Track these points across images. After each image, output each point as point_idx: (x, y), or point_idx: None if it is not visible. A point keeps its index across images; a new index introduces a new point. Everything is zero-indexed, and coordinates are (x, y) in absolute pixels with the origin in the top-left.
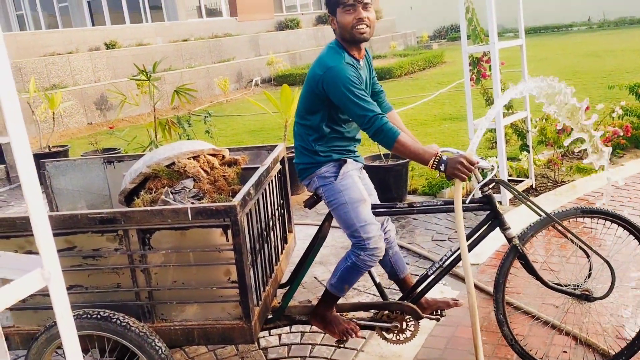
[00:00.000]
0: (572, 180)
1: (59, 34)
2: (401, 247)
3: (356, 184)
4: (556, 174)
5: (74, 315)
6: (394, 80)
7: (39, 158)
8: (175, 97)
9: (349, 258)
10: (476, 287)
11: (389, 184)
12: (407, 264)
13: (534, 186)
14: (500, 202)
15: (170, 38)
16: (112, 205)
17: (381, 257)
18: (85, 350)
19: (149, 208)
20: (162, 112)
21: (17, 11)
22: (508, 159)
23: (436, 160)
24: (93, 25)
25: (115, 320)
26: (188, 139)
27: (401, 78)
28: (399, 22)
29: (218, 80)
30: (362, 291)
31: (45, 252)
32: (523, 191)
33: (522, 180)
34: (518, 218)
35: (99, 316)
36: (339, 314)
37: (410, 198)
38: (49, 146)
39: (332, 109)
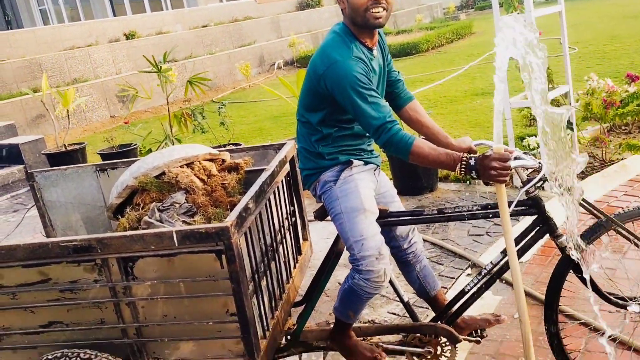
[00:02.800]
0: (622, 159)
1: (77, 26)
2: (433, 244)
3: (357, 190)
4: (603, 152)
5: (50, 358)
6: (420, 55)
7: (54, 158)
8: (188, 88)
9: (347, 280)
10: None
11: (418, 172)
12: (440, 264)
13: None
14: (543, 188)
15: (190, 25)
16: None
17: (382, 285)
18: None
19: (128, 233)
20: (184, 103)
21: (40, 6)
22: None
23: (463, 165)
24: (114, 15)
25: None
26: (202, 131)
27: (428, 53)
28: None
29: (239, 66)
30: (391, 299)
31: None
32: None
33: None
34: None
35: (78, 359)
36: (361, 339)
37: (442, 186)
38: (64, 145)
39: (337, 107)
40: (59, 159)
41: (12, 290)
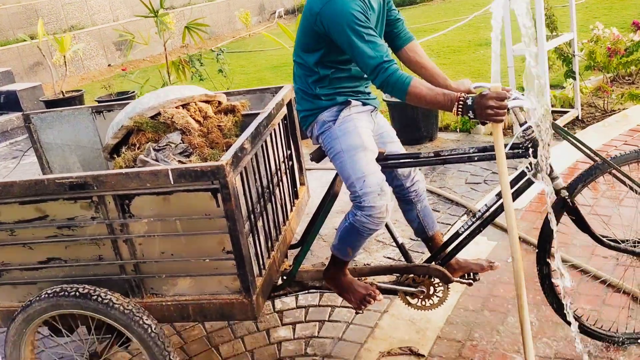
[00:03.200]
0: (624, 109)
1: None
2: (430, 192)
3: (357, 129)
4: (605, 102)
5: (50, 293)
6: (424, 4)
7: (52, 105)
8: (186, 34)
9: (348, 218)
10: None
11: (418, 121)
12: (437, 211)
13: (580, 117)
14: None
15: None
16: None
17: (384, 221)
18: (70, 329)
19: (123, 171)
20: (182, 51)
21: None
22: (551, 87)
23: (460, 105)
24: None
25: (96, 297)
26: (200, 79)
27: (432, 2)
28: None
29: (239, 14)
30: (387, 244)
31: None
32: (568, 123)
33: (567, 111)
34: (561, 154)
35: (77, 293)
36: (356, 278)
37: (442, 136)
38: (62, 92)
39: (333, 47)
40: (56, 105)
41: (10, 227)
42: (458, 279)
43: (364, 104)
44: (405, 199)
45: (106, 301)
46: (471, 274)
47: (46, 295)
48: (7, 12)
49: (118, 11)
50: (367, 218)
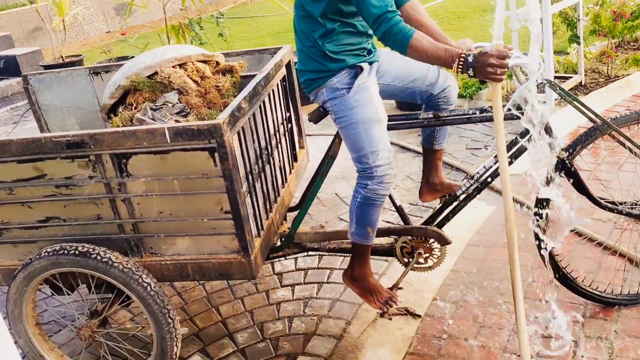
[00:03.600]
0: (628, 75)
1: None
2: None
3: (372, 99)
4: (609, 68)
5: (50, 251)
6: None
7: (52, 70)
8: None
9: (358, 193)
10: (515, 200)
11: None
12: None
13: (583, 83)
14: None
15: None
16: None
17: (393, 184)
18: (71, 288)
19: (119, 129)
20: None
21: None
22: (555, 52)
23: (461, 62)
24: None
25: (95, 255)
26: (201, 43)
27: None
28: None
29: None
30: (387, 208)
31: None
32: (572, 89)
33: (570, 77)
34: (563, 120)
35: (76, 252)
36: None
37: None
38: (62, 57)
39: None
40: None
41: (9, 185)
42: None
43: (370, 64)
44: (432, 105)
45: (105, 260)
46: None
47: (46, 254)
48: None
49: None
50: (379, 185)
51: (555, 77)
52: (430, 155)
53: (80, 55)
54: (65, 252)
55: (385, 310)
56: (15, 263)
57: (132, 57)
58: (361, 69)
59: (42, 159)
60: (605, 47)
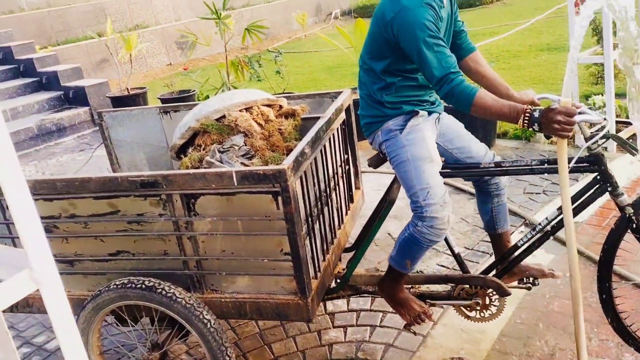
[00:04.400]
0: None
1: None
2: None
3: (425, 140)
4: None
5: (118, 284)
6: (484, 7)
7: (117, 101)
8: (246, 35)
9: (408, 229)
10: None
11: (475, 126)
12: None
13: None
14: (606, 149)
15: None
16: (170, 157)
17: (444, 232)
18: (134, 320)
19: (191, 171)
20: (240, 51)
21: None
22: (617, 96)
23: (526, 118)
24: None
25: (160, 290)
26: (259, 79)
27: (492, 5)
28: None
29: (296, 15)
30: (441, 252)
31: (34, 249)
32: (633, 135)
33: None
34: (623, 167)
35: (143, 286)
36: (409, 287)
37: (500, 143)
38: (127, 89)
39: (401, 55)
40: (122, 102)
41: (85, 220)
42: (515, 284)
43: (430, 113)
44: (483, 191)
45: (170, 295)
46: (530, 278)
47: (115, 286)
48: (78, 11)
49: (181, 11)
50: (429, 229)
51: (617, 122)
52: (497, 241)
53: (144, 87)
54: (133, 285)
55: (412, 328)
56: (84, 293)
57: (193, 90)
58: (417, 112)
59: (117, 196)
60: None
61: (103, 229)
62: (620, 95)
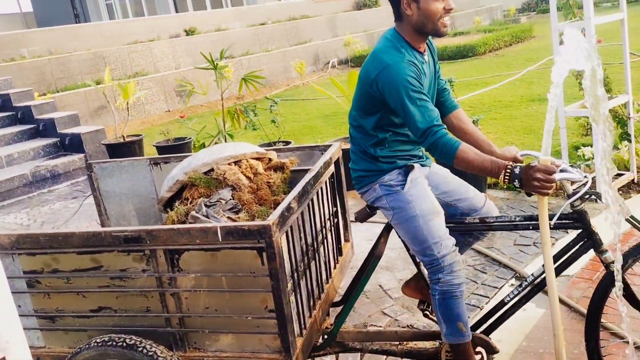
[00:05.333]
0: None
1: (141, 22)
2: (478, 252)
3: (427, 194)
4: None
5: (99, 342)
6: (477, 58)
7: (113, 148)
8: (243, 85)
9: (435, 291)
10: (566, 304)
11: (466, 176)
12: (484, 273)
13: (635, 180)
14: (597, 200)
15: (248, 22)
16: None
17: (464, 272)
18: None
19: (175, 226)
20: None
21: (107, 1)
22: None
23: (507, 174)
24: (176, 11)
25: (141, 349)
26: (254, 128)
27: (485, 55)
28: None
29: (294, 63)
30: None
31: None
32: (624, 186)
33: (622, 174)
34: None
35: (124, 344)
36: (397, 343)
37: (490, 193)
38: (123, 136)
39: (389, 110)
40: (117, 149)
41: (67, 275)
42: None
43: (422, 166)
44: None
45: (151, 353)
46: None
47: (95, 344)
48: (78, 59)
49: (180, 59)
50: (451, 275)
51: None
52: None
53: (140, 135)
54: (114, 343)
55: None
56: (64, 350)
57: (189, 138)
58: (412, 167)
59: (100, 251)
60: None
61: (85, 284)
62: None
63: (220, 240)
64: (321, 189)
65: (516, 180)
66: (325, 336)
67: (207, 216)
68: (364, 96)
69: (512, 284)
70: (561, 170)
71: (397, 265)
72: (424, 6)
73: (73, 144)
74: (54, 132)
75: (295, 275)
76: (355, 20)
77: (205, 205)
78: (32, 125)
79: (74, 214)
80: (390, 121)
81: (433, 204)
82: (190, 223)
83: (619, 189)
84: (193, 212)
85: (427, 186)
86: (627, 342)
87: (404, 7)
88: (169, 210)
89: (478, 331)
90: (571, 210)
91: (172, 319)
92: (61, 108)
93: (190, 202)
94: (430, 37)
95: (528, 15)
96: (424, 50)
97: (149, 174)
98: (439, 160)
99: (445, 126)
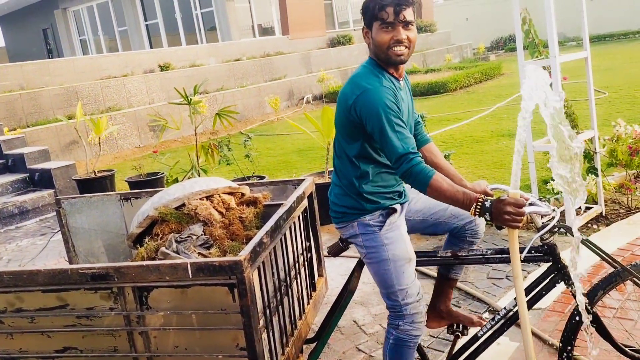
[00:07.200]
0: None
1: (115, 57)
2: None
3: (403, 238)
4: (629, 199)
5: None
6: (448, 94)
7: (83, 183)
8: (217, 120)
9: (390, 335)
10: (539, 337)
11: None
12: (458, 306)
13: (603, 213)
14: (567, 234)
15: (222, 58)
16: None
17: (424, 325)
18: None
19: (144, 263)
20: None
21: (81, 36)
22: None
23: (478, 206)
24: (151, 47)
25: None
26: (228, 163)
27: (456, 92)
28: (455, 34)
29: (269, 99)
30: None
31: None
32: (592, 220)
33: (591, 207)
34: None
35: None
36: None
37: None
38: (94, 171)
39: (369, 139)
40: (88, 184)
41: (31, 314)
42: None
43: (402, 204)
44: (458, 236)
45: None
46: (460, 326)
47: None
48: (50, 94)
49: (154, 94)
50: (411, 325)
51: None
52: (443, 283)
53: (112, 170)
54: None
55: None
56: None
57: (162, 173)
58: (394, 210)
59: (66, 289)
60: (623, 179)
61: (50, 324)
62: None
63: (191, 276)
64: (294, 223)
65: (487, 214)
66: None
67: (177, 252)
68: (344, 122)
69: (485, 318)
70: (530, 204)
71: (371, 300)
72: (375, 36)
73: (43, 180)
74: (23, 167)
75: (268, 311)
76: (329, 57)
77: (176, 241)
78: (0, 161)
79: (41, 250)
80: (371, 151)
81: (407, 251)
82: (160, 259)
83: (587, 223)
84: (163, 248)
85: (404, 230)
86: None
87: (364, 35)
88: (138, 246)
89: None
90: (541, 243)
91: (140, 358)
92: (31, 143)
93: (161, 238)
94: (404, 70)
95: (497, 53)
96: (400, 77)
97: (119, 209)
98: (412, 187)
99: (420, 154)
